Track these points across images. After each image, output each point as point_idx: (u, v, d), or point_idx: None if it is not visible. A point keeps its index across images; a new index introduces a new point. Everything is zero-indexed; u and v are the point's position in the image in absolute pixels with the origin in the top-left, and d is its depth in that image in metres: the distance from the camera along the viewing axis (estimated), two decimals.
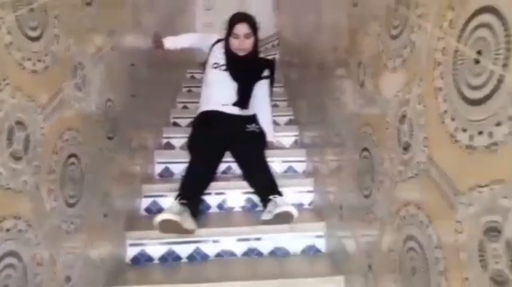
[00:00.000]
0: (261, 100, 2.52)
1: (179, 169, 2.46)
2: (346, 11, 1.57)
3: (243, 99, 2.44)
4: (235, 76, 2.45)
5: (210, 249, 2.02)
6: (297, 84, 2.90)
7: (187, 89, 3.66)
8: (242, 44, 2.41)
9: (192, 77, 3.90)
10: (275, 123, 2.76)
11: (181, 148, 2.68)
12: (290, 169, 2.59)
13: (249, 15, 2.51)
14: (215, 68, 2.48)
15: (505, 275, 0.62)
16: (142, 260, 1.98)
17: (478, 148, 0.72)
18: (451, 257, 0.78)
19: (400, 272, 1.05)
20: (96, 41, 1.47)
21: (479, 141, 0.71)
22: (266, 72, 2.56)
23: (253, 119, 2.46)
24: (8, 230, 0.92)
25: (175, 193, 2.05)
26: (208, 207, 2.28)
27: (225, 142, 2.35)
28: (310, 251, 2.04)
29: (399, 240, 1.04)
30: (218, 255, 2.02)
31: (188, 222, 1.91)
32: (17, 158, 0.93)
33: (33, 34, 1.00)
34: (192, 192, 2.08)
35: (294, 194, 2.30)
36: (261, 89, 2.53)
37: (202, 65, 2.65)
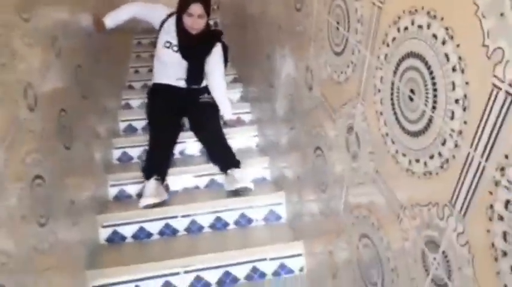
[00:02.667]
0: (216, 77, 2.53)
1: (140, 124, 2.75)
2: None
3: (193, 77, 2.49)
4: (185, 56, 2.45)
5: (179, 224, 2.14)
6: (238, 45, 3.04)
7: (136, 54, 3.79)
8: (195, 23, 2.37)
9: (139, 43, 3.97)
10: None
11: (138, 107, 2.95)
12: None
13: None
14: (167, 47, 2.45)
15: (444, 280, 0.77)
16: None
17: (416, 173, 0.84)
18: (400, 258, 0.92)
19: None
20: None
21: (417, 168, 0.83)
22: (218, 51, 2.53)
23: (205, 90, 2.54)
24: None
25: (144, 170, 2.24)
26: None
27: (181, 111, 2.47)
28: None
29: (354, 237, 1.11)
30: (187, 229, 2.15)
31: (163, 195, 2.16)
32: None
33: None
34: (159, 164, 2.27)
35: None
36: (214, 67, 2.52)
37: (153, 44, 2.66)
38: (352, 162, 1.09)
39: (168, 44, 2.46)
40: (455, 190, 0.69)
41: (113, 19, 2.44)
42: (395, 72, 0.87)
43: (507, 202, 0.56)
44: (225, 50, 2.58)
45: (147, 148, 2.39)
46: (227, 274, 1.88)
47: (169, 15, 2.48)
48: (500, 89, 0.57)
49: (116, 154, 2.54)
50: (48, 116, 1.36)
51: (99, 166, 2.17)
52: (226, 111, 2.57)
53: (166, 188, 2.28)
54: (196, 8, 2.34)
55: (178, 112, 2.50)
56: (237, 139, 2.60)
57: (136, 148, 2.54)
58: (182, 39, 2.43)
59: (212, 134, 2.41)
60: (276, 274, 1.92)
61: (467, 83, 0.64)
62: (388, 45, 0.88)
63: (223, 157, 2.34)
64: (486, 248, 0.61)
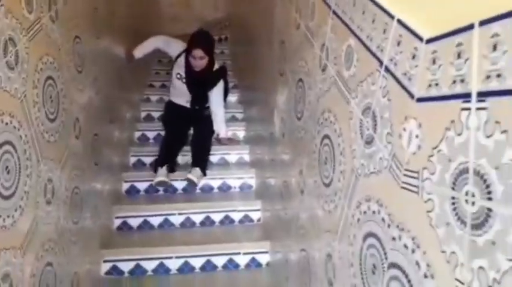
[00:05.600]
0: (216, 104, 2.99)
1: (156, 114, 3.38)
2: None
3: (196, 103, 3.04)
4: (190, 89, 2.97)
5: (176, 220, 2.61)
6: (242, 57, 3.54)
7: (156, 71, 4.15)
8: (197, 64, 2.85)
9: (159, 61, 4.26)
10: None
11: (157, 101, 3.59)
12: None
13: (204, 39, 2.86)
14: (178, 79, 2.98)
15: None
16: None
17: None
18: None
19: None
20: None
21: None
22: (220, 85, 2.99)
23: (207, 108, 3.04)
24: (6, 123, 1.10)
25: (158, 159, 2.78)
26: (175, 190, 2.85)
27: (187, 122, 3.01)
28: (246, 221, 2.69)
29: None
30: (182, 224, 2.62)
31: (169, 178, 2.73)
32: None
33: None
34: (169, 156, 2.84)
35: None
36: (215, 98, 2.98)
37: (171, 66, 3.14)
38: None
39: (179, 76, 2.98)
40: None
41: (140, 51, 3.00)
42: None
43: None
44: (226, 84, 3.09)
45: (160, 145, 2.92)
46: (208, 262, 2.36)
47: (183, 51, 2.93)
48: None
49: (132, 159, 3.02)
50: (86, 141, 1.83)
51: (117, 169, 2.66)
52: (222, 131, 3.02)
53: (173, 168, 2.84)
54: (197, 52, 2.80)
55: (185, 123, 3.02)
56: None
57: (148, 157, 3.02)
58: (188, 75, 2.94)
59: (203, 140, 2.95)
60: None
61: None
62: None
63: (198, 158, 2.84)
64: None
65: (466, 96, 0.63)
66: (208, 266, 2.34)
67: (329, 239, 1.27)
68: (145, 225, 2.58)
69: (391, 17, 0.86)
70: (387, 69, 0.88)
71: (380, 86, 0.91)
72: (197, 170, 2.76)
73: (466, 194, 0.63)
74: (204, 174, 2.81)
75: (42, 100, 1.36)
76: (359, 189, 1.04)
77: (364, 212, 1.00)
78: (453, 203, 0.67)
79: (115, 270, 2.25)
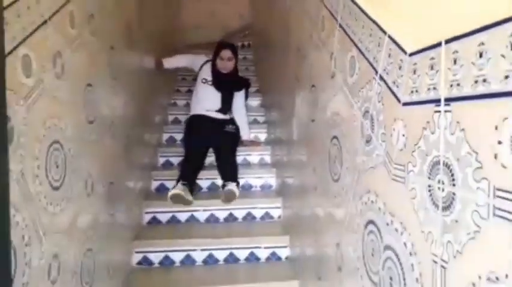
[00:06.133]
0: (239, 108, 3.16)
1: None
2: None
3: (225, 106, 3.07)
4: (219, 88, 3.05)
5: (201, 216, 2.78)
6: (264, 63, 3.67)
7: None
8: (226, 65, 3.04)
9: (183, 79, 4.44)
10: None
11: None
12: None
13: (232, 44, 3.16)
14: (204, 83, 3.09)
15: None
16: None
17: None
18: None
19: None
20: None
21: None
22: (242, 92, 3.21)
23: (230, 121, 3.10)
24: None
25: (177, 178, 2.77)
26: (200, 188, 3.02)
27: (208, 140, 2.99)
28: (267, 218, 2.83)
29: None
30: (207, 220, 2.79)
31: (188, 195, 2.65)
32: None
33: None
34: (188, 176, 2.79)
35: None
36: (239, 100, 3.17)
37: (194, 80, 3.32)
38: None
39: (204, 80, 3.11)
40: None
41: (168, 63, 3.27)
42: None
43: None
44: (248, 90, 3.27)
45: (181, 166, 2.92)
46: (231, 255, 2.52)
47: (207, 61, 3.18)
48: (436, 262, 0.76)
49: (161, 160, 3.23)
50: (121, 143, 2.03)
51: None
52: (245, 133, 3.17)
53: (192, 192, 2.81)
54: (225, 53, 3.02)
55: (206, 141, 2.99)
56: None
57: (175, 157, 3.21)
58: (216, 76, 3.08)
59: (229, 159, 2.94)
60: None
61: (419, 262, 0.83)
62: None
63: (229, 174, 2.85)
64: None
65: (437, 101, 0.76)
66: (230, 259, 2.50)
67: (338, 230, 1.40)
68: (173, 220, 2.76)
69: (384, 32, 0.99)
70: (381, 78, 1.01)
71: (376, 92, 1.04)
72: (233, 184, 2.75)
73: (438, 182, 0.76)
74: (238, 187, 2.79)
75: None
76: (361, 183, 1.17)
77: (365, 203, 1.13)
78: (429, 191, 0.79)
79: (145, 261, 2.44)
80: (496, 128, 0.59)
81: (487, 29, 0.61)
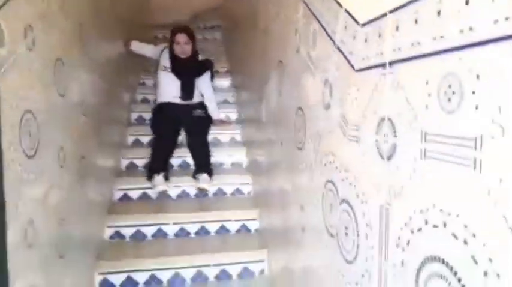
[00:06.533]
0: (205, 90, 3.16)
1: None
2: None
3: (186, 93, 3.04)
4: (178, 75, 3.03)
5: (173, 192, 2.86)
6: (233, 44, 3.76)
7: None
8: (183, 49, 3.02)
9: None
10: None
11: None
12: None
13: (186, 27, 3.09)
14: (164, 70, 3.07)
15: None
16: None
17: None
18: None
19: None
20: None
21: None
22: (207, 74, 3.17)
23: (198, 106, 3.08)
24: None
25: (150, 166, 2.81)
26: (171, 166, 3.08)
27: (178, 123, 3.00)
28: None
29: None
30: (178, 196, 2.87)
31: (166, 185, 2.75)
32: None
33: None
34: (162, 163, 2.83)
35: None
36: (203, 83, 3.14)
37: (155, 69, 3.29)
38: None
39: (164, 68, 3.07)
40: None
41: (135, 46, 3.31)
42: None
43: None
44: (212, 71, 3.23)
45: (152, 152, 2.90)
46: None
47: (165, 48, 3.16)
48: (382, 206, 0.88)
49: (131, 139, 3.26)
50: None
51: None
52: (215, 114, 3.19)
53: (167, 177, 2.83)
54: (181, 37, 2.99)
55: (176, 123, 3.00)
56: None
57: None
58: (174, 62, 3.05)
59: (200, 142, 2.96)
60: None
61: (369, 209, 0.93)
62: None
63: (202, 164, 2.88)
64: None
65: (383, 65, 0.87)
66: (202, 232, 2.59)
67: (302, 194, 1.52)
68: (144, 196, 2.82)
69: (340, 6, 1.09)
70: (339, 49, 1.11)
71: (334, 62, 1.14)
72: (205, 176, 2.79)
73: (384, 136, 0.87)
74: (211, 176, 2.83)
75: None
76: (322, 147, 1.28)
77: (325, 164, 1.25)
78: (376, 145, 0.91)
79: (118, 235, 2.50)
80: (427, 83, 0.71)
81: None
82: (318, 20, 1.27)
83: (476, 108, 0.60)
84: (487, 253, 0.58)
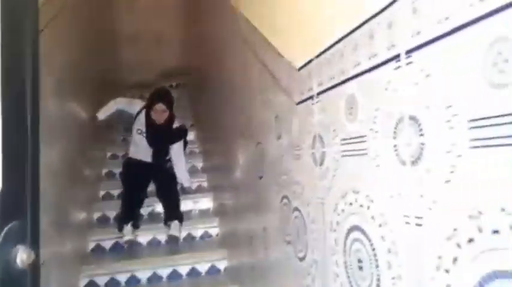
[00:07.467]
0: (176, 157, 3.26)
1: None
2: None
3: (157, 157, 3.20)
4: (151, 143, 3.15)
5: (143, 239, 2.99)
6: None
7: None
8: (160, 117, 3.08)
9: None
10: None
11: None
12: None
13: (166, 95, 3.16)
14: (139, 134, 3.17)
15: None
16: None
17: None
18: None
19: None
20: None
21: None
22: (179, 139, 3.26)
23: (167, 160, 3.26)
24: None
25: (121, 217, 2.95)
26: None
27: (147, 176, 3.18)
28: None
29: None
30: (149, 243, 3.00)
31: (134, 235, 2.93)
32: None
33: None
34: (131, 213, 2.98)
35: None
36: (176, 149, 3.25)
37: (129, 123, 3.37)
38: None
39: (139, 131, 3.17)
40: None
41: (103, 113, 3.21)
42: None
43: None
44: (185, 140, 3.34)
45: (121, 203, 3.04)
46: None
47: (142, 109, 3.19)
48: (409, 223, 0.73)
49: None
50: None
51: None
52: (185, 181, 3.31)
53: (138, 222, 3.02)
54: (159, 106, 3.06)
55: (145, 177, 3.16)
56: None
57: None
58: (149, 129, 3.13)
59: (169, 192, 3.12)
60: None
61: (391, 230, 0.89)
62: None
63: (172, 211, 3.03)
64: None
65: (312, 98, 1.18)
66: (174, 275, 2.70)
67: (264, 216, 1.75)
68: (117, 246, 2.92)
69: (282, 56, 1.42)
70: (284, 90, 1.43)
71: (279, 98, 1.46)
72: (176, 223, 2.92)
73: (405, 138, 0.78)
74: (181, 222, 2.98)
75: None
76: (279, 167, 1.55)
77: (280, 183, 1.51)
78: (395, 150, 0.81)
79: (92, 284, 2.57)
80: (463, 60, 0.64)
81: (343, 39, 1.02)
82: (264, 64, 1.61)
83: None
84: None
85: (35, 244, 0.69)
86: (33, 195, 0.71)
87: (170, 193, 3.12)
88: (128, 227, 2.88)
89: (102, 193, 3.42)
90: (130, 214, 2.96)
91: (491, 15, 0.59)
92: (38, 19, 0.83)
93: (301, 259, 1.30)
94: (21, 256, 0.64)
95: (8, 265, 0.61)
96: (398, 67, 0.80)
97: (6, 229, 0.61)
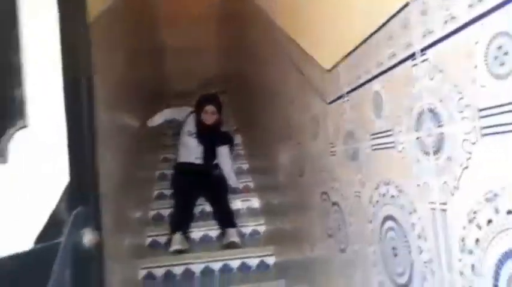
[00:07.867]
0: (223, 158, 3.40)
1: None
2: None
3: (208, 158, 3.35)
4: (202, 142, 3.32)
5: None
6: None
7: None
8: (210, 118, 3.30)
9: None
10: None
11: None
12: None
13: (216, 98, 3.39)
14: (189, 135, 3.35)
15: None
16: None
17: None
18: None
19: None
20: None
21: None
22: (227, 142, 3.43)
23: (216, 165, 3.39)
24: None
25: (171, 228, 2.95)
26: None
27: (197, 184, 3.22)
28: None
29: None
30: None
31: (184, 244, 2.86)
32: None
33: None
34: (182, 223, 2.98)
35: None
36: (223, 151, 3.40)
37: (178, 129, 3.55)
38: None
39: (189, 132, 3.36)
40: None
41: (152, 122, 3.41)
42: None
43: None
44: (232, 145, 3.52)
45: (173, 210, 3.13)
46: None
47: (191, 113, 3.44)
48: (434, 209, 0.81)
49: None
50: None
51: None
52: (233, 182, 3.40)
53: (188, 239, 2.99)
54: (210, 108, 3.29)
55: (196, 184, 3.21)
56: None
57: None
58: (200, 129, 3.32)
59: (220, 200, 3.17)
60: None
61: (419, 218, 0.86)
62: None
63: (224, 219, 3.06)
64: None
65: (342, 96, 1.25)
66: (225, 269, 2.82)
67: (309, 211, 1.83)
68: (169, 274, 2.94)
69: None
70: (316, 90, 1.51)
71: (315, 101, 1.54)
72: (233, 231, 2.94)
73: (427, 129, 0.83)
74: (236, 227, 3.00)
75: None
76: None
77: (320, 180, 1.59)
78: (419, 142, 0.87)
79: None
80: (469, 55, 0.70)
81: (366, 40, 1.10)
82: (301, 71, 1.69)
83: None
84: None
85: (98, 228, 0.80)
86: (95, 186, 0.84)
87: (224, 206, 3.16)
88: (177, 237, 2.87)
89: (156, 192, 3.61)
90: (183, 224, 2.99)
91: (490, 13, 0.65)
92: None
93: (343, 251, 1.36)
94: (88, 236, 0.75)
95: (77, 244, 0.73)
96: (415, 65, 0.86)
97: (74, 213, 0.72)
